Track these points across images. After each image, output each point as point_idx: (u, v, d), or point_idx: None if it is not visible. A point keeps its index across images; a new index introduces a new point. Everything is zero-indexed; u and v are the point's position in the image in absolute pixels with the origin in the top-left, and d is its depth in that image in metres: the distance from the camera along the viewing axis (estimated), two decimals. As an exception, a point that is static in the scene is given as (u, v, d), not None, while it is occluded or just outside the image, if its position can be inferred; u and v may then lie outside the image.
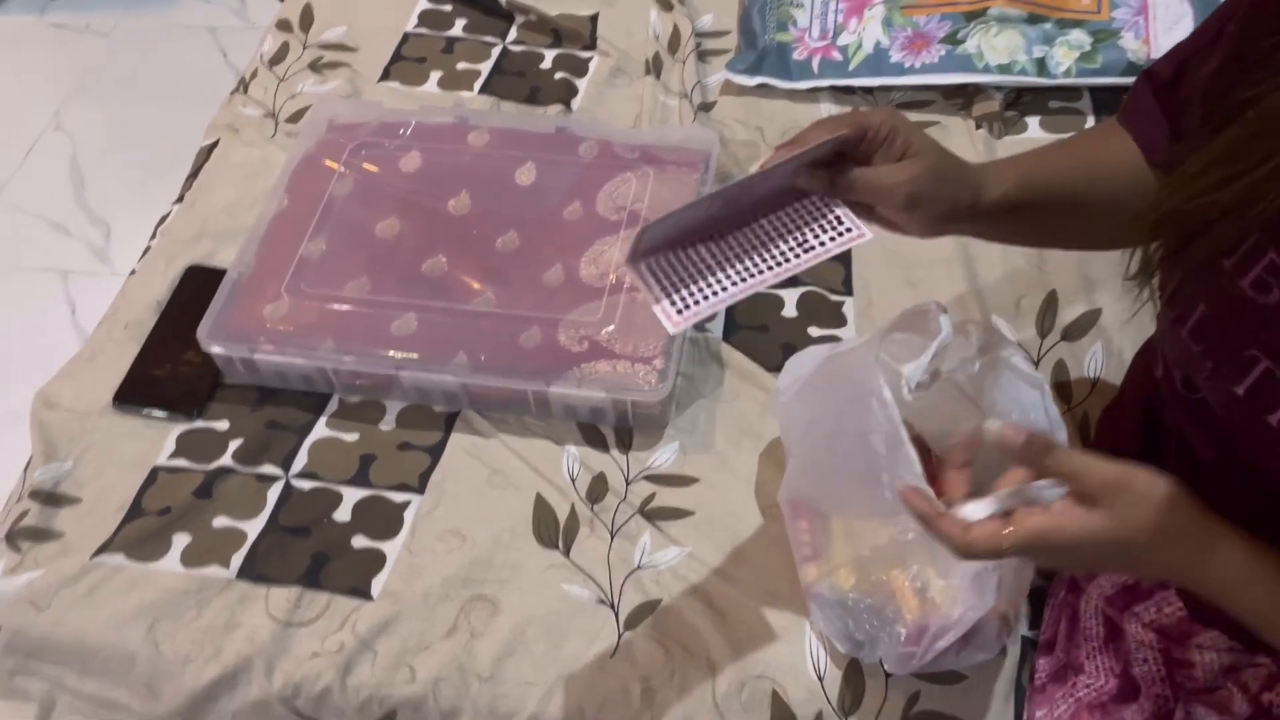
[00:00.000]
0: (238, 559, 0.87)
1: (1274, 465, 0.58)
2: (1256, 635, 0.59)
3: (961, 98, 1.19)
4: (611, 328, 0.95)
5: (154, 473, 0.93)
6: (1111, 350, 0.97)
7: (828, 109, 1.20)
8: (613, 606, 0.84)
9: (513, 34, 1.30)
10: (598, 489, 0.91)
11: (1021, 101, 1.19)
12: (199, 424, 0.96)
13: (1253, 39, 0.57)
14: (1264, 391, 0.56)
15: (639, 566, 0.86)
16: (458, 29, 1.31)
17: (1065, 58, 1.16)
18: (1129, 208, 0.62)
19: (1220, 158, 0.55)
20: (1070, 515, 0.57)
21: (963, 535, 0.58)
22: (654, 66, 1.24)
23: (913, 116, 1.18)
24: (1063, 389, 0.95)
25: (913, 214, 0.65)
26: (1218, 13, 0.65)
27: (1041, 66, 1.16)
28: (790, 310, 1.02)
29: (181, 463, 0.93)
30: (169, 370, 0.98)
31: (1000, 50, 1.17)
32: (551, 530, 0.88)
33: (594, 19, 1.30)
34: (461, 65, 1.27)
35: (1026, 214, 0.70)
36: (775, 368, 0.97)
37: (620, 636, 0.82)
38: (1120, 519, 0.56)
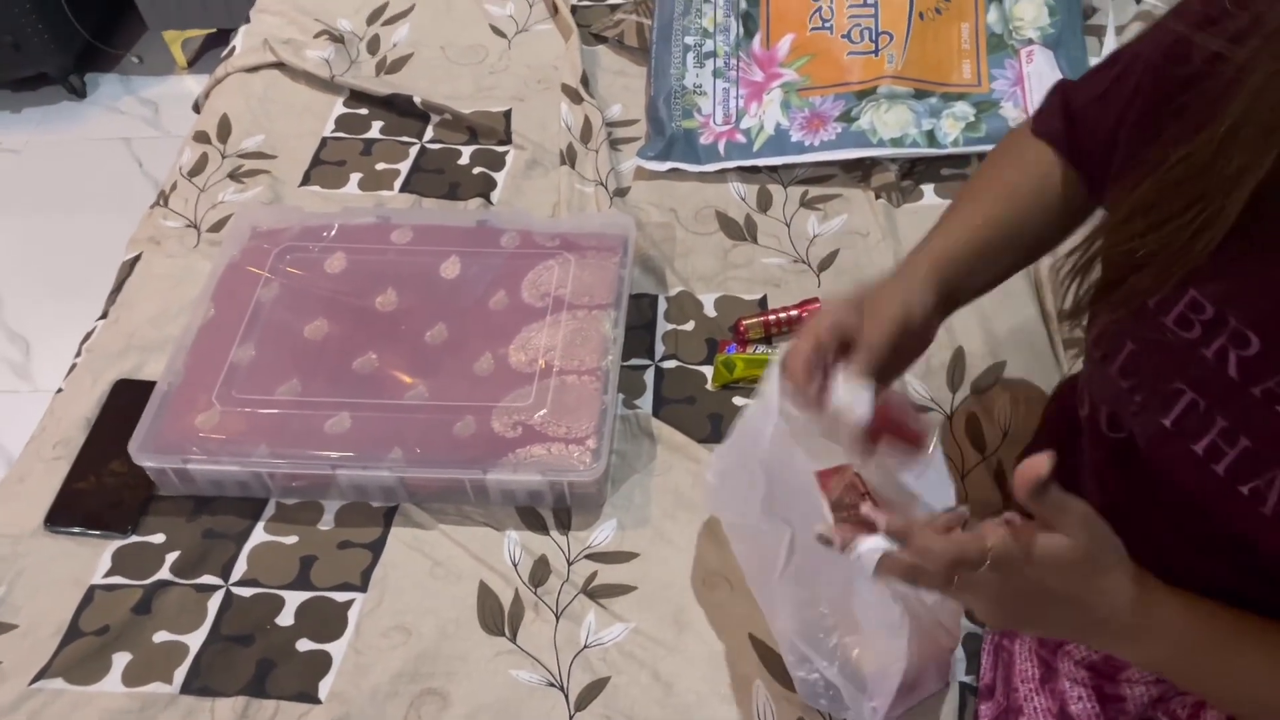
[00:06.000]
0: (180, 673, 0.86)
1: (1199, 492, 0.60)
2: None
3: (860, 170, 1.26)
4: (544, 411, 0.97)
5: (90, 592, 0.91)
6: (1019, 400, 1.02)
7: (736, 188, 1.26)
8: (562, 689, 0.85)
9: (429, 133, 1.34)
10: (540, 572, 0.92)
11: (915, 171, 1.26)
12: (134, 539, 0.95)
13: (1167, 94, 0.60)
14: (1189, 421, 0.59)
15: (585, 646, 0.87)
16: (375, 131, 1.34)
17: (952, 129, 1.24)
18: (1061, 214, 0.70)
19: (1140, 208, 0.58)
20: (1040, 536, 0.54)
21: (946, 537, 0.55)
22: (568, 157, 1.28)
23: (815, 190, 1.25)
24: (976, 440, 0.99)
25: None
26: (1126, 61, 0.69)
27: (931, 138, 1.24)
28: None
29: (118, 580, 0.92)
30: (100, 487, 0.98)
31: (892, 125, 1.24)
32: (497, 617, 0.89)
33: (507, 114, 1.35)
34: (381, 165, 1.30)
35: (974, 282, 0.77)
36: (704, 439, 1.01)
37: (571, 717, 0.83)
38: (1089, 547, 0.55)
